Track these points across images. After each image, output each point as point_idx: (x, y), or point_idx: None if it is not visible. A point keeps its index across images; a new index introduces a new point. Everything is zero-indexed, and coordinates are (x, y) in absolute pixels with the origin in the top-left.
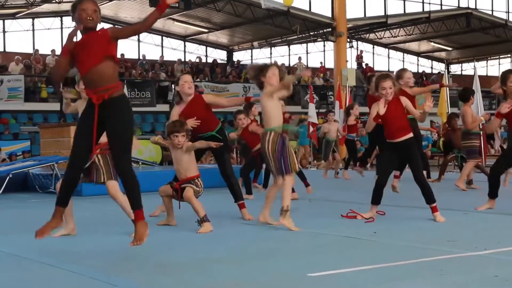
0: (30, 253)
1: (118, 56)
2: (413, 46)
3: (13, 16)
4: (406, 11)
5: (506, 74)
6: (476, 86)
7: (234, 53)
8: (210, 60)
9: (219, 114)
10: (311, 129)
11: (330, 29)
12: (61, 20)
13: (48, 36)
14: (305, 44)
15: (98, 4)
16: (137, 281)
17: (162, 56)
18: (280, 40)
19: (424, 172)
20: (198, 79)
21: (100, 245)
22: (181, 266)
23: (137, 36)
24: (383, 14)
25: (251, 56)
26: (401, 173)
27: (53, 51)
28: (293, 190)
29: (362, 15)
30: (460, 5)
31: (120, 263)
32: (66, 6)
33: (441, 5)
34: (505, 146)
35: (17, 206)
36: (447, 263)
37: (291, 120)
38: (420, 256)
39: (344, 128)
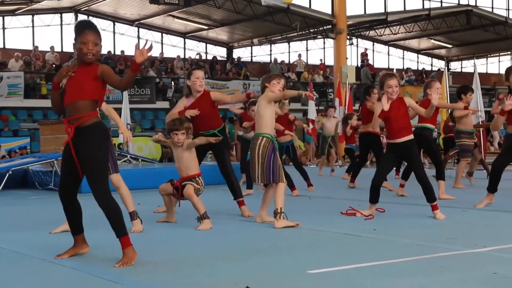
0: (30, 250)
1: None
2: (413, 43)
3: (12, 13)
4: (406, 8)
5: (510, 70)
6: (476, 83)
7: (234, 50)
8: (210, 57)
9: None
10: (311, 126)
11: (330, 26)
12: (61, 17)
13: (47, 33)
14: (305, 41)
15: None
16: (137, 278)
17: (162, 53)
18: (280, 37)
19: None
20: None
21: (100, 242)
22: (181, 262)
23: (136, 33)
24: (383, 11)
25: (251, 53)
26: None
27: (52, 47)
28: (294, 187)
29: (362, 12)
30: (460, 2)
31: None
32: (66, 3)
33: (441, 2)
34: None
35: (16, 202)
36: (447, 260)
37: (295, 123)
38: (420, 253)
39: (342, 137)
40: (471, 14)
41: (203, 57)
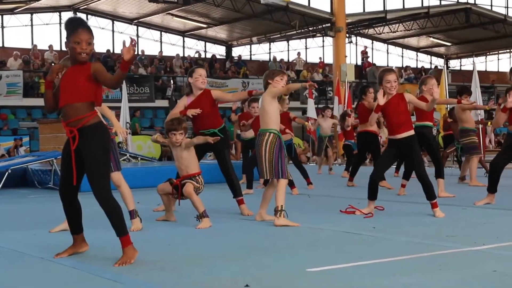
0: (29, 249)
1: (117, 51)
2: (412, 41)
3: (11, 11)
4: (405, 6)
5: None
6: (475, 81)
7: (233, 48)
8: (209, 56)
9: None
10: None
11: (329, 25)
12: (60, 15)
13: (46, 32)
14: (304, 40)
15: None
16: (136, 277)
17: (161, 52)
18: (279, 35)
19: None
20: None
21: (100, 241)
22: (180, 261)
23: (135, 31)
24: (382, 9)
25: (250, 51)
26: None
27: (51, 46)
28: (293, 185)
29: (361, 10)
30: (459, 0)
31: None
32: (65, 2)
33: (440, 0)
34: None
35: (16, 201)
36: (446, 258)
37: (295, 121)
38: (419, 251)
39: (341, 135)
40: (470, 12)
41: (202, 56)
